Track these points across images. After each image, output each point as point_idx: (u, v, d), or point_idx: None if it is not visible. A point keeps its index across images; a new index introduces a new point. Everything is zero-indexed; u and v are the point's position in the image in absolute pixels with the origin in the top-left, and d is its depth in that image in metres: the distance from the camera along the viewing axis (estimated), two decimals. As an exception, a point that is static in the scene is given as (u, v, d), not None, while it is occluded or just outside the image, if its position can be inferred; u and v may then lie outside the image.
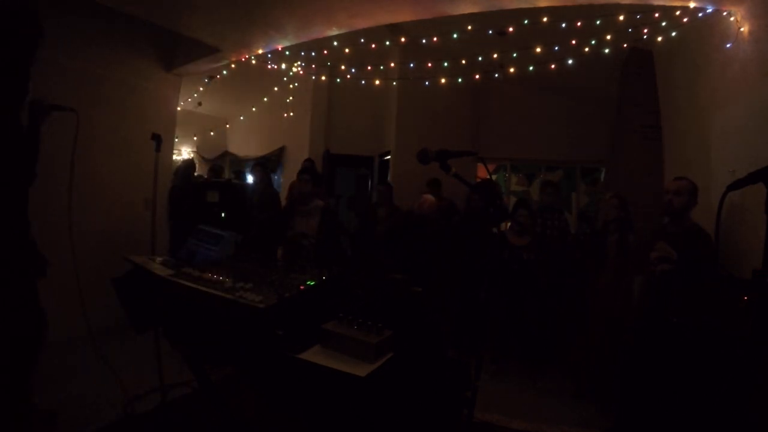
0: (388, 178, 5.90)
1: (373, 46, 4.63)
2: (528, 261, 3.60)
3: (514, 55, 4.44)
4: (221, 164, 7.83)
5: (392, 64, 5.19)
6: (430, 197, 4.10)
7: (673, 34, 3.64)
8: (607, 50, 3.98)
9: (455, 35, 4.26)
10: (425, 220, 3.91)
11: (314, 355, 1.20)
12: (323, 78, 5.87)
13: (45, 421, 2.29)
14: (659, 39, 3.76)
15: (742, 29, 2.83)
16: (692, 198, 2.59)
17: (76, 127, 2.18)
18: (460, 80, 4.96)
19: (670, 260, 2.35)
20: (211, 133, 7.73)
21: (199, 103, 6.79)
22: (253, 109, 6.95)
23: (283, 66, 5.26)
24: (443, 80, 4.88)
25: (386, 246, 3.96)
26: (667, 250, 2.38)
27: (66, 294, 2.41)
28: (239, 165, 8.01)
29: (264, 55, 4.71)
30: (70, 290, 2.48)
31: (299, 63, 5.32)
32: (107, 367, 2.46)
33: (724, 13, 3.01)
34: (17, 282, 2.06)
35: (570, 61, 4.11)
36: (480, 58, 4.62)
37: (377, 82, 5.21)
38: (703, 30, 3.31)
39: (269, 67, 5.19)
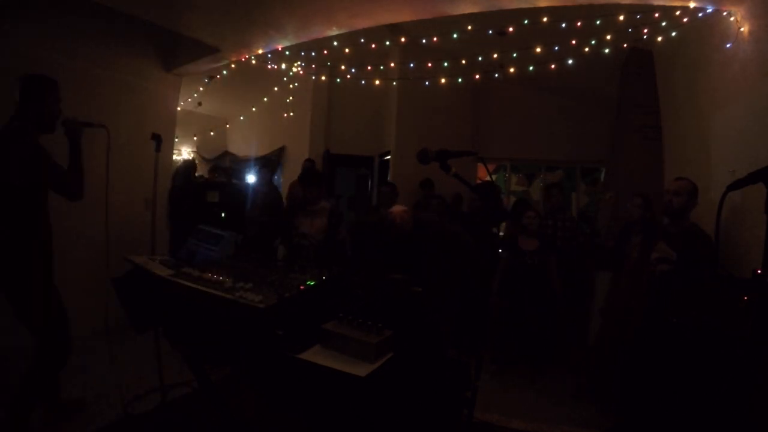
0: (388, 178, 5.90)
1: (373, 46, 4.63)
2: (533, 265, 3.59)
3: (514, 55, 4.43)
4: (224, 165, 7.83)
5: (392, 64, 5.19)
6: (397, 208, 4.05)
7: (673, 34, 3.64)
8: (607, 50, 3.98)
9: (455, 35, 4.26)
10: (429, 224, 3.87)
11: (314, 355, 1.20)
12: (323, 78, 5.87)
13: (74, 406, 2.44)
14: (659, 39, 3.75)
15: (742, 29, 2.83)
16: (692, 198, 2.59)
17: (108, 141, 2.31)
18: (460, 80, 4.96)
19: (670, 261, 2.36)
20: (211, 133, 7.74)
21: (199, 103, 6.79)
22: (253, 109, 6.96)
23: (283, 66, 5.26)
24: (443, 80, 4.88)
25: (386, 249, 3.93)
26: (667, 251, 2.38)
27: (66, 294, 2.41)
28: (238, 165, 8.01)
29: (264, 55, 4.71)
30: (70, 290, 2.48)
31: (299, 63, 5.31)
32: (107, 366, 2.46)
33: (724, 13, 3.01)
34: (48, 284, 2.19)
35: (570, 61, 4.11)
36: (480, 58, 4.62)
37: (377, 82, 5.21)
38: (703, 30, 3.31)
39: (269, 67, 5.19)
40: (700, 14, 3.20)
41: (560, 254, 3.81)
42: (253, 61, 4.80)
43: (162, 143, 2.59)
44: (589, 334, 3.70)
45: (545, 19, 3.78)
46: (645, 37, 3.80)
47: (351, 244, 4.15)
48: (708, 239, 2.49)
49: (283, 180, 6.79)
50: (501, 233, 4.75)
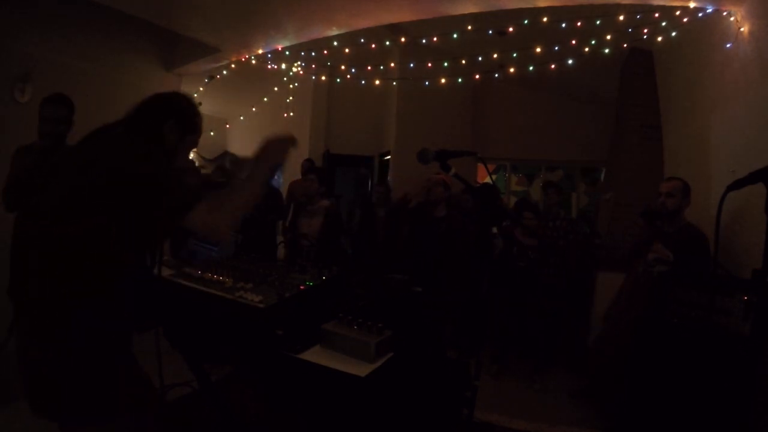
0: (388, 178, 5.90)
1: (373, 46, 4.62)
2: (534, 260, 3.58)
3: (514, 55, 4.43)
4: (225, 165, 7.80)
5: (392, 64, 5.18)
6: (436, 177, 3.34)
7: (673, 34, 3.63)
8: (607, 50, 3.98)
9: (455, 35, 4.26)
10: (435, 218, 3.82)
11: (314, 355, 1.20)
12: (323, 78, 5.86)
13: None
14: (659, 39, 3.75)
15: (742, 29, 2.83)
16: (685, 198, 2.60)
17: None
18: (460, 80, 4.95)
19: (666, 261, 2.36)
20: (211, 133, 7.73)
21: (199, 103, 6.77)
22: (253, 109, 6.95)
23: (283, 66, 5.26)
24: (443, 80, 4.88)
25: (386, 245, 3.93)
26: (663, 252, 2.39)
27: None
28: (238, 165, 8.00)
29: (264, 55, 4.71)
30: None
31: (299, 63, 5.31)
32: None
33: (724, 13, 3.00)
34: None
35: (570, 61, 4.10)
36: (480, 58, 4.62)
37: (377, 82, 5.20)
38: (703, 30, 3.31)
39: (269, 67, 5.19)
40: (700, 14, 3.20)
41: (557, 254, 3.79)
42: (253, 61, 4.80)
43: (162, 143, 2.58)
44: (589, 334, 3.70)
45: (545, 19, 3.78)
46: (645, 37, 3.79)
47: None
48: (704, 239, 2.49)
49: (283, 180, 6.79)
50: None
